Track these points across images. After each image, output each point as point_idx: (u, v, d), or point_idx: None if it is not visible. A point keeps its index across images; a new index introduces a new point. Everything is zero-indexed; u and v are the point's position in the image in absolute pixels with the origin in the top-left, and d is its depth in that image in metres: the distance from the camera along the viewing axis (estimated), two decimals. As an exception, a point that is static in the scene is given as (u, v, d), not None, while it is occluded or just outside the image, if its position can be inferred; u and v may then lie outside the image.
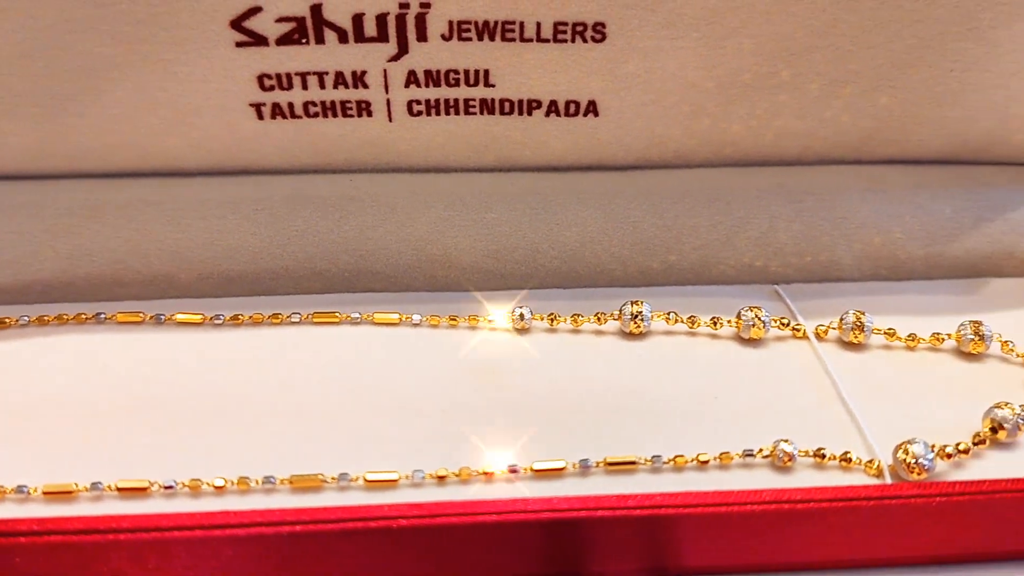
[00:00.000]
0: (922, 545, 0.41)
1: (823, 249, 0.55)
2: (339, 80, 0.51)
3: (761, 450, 0.42)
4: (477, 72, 0.51)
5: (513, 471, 0.42)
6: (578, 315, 0.51)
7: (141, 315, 0.51)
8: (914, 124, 0.54)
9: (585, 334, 0.51)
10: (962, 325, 0.50)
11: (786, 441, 0.42)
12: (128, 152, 0.53)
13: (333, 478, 0.41)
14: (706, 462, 0.42)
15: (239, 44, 0.49)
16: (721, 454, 0.42)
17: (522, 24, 0.49)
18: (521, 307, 0.51)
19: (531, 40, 0.50)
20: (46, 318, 0.50)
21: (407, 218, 0.53)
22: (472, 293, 0.54)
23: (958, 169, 0.56)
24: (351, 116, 0.52)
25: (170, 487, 0.41)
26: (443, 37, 0.49)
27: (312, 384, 0.47)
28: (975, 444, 0.43)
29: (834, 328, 0.50)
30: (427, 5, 0.48)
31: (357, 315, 0.51)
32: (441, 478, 0.41)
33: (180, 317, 0.51)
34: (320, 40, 0.49)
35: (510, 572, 0.41)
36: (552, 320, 0.51)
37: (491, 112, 0.53)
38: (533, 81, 0.51)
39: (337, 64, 0.50)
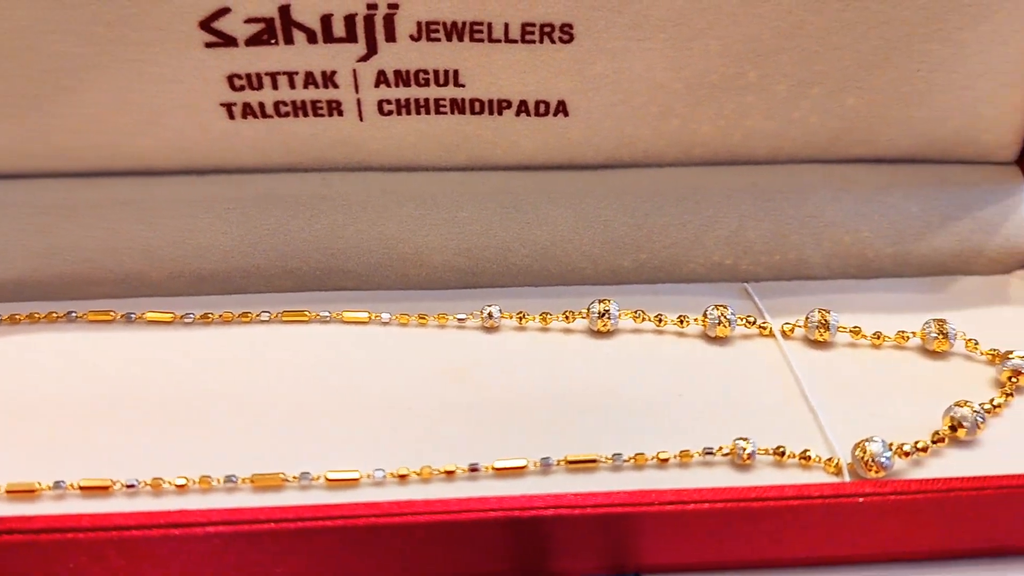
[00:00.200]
0: (881, 543, 0.41)
1: (792, 248, 0.55)
2: (309, 80, 0.51)
3: (721, 448, 0.43)
4: (447, 72, 0.51)
5: (474, 470, 0.42)
6: (547, 314, 0.51)
7: (112, 313, 0.51)
8: (882, 124, 0.55)
9: (553, 332, 0.51)
10: (927, 323, 0.50)
11: (745, 439, 0.42)
12: (100, 152, 0.53)
13: (294, 477, 0.42)
14: (666, 460, 0.43)
15: (208, 45, 0.49)
16: (681, 452, 0.43)
17: (490, 25, 0.49)
18: (490, 306, 0.51)
19: (499, 41, 0.50)
20: (17, 316, 0.50)
21: (378, 217, 0.54)
22: (443, 292, 0.54)
23: (926, 168, 0.57)
24: (322, 116, 0.52)
25: (132, 486, 0.41)
26: (412, 37, 0.50)
27: (278, 383, 0.47)
28: (934, 442, 0.43)
29: (800, 326, 0.51)
30: (395, 6, 0.48)
31: (326, 314, 0.51)
32: (402, 477, 0.42)
33: (150, 316, 0.51)
34: (289, 40, 0.49)
35: (472, 571, 0.41)
36: (521, 319, 0.51)
37: (461, 112, 0.53)
38: (503, 81, 0.52)
39: (307, 64, 0.50)
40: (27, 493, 0.40)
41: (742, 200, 0.55)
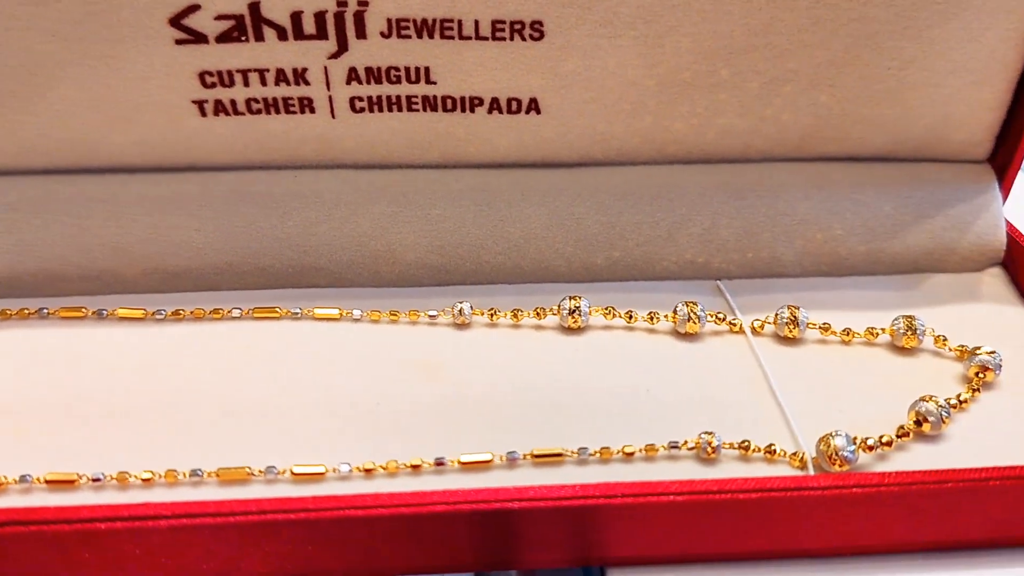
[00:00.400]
0: (845, 536, 0.41)
1: (765, 245, 0.55)
2: (280, 77, 0.51)
3: (686, 442, 0.43)
4: (418, 69, 0.51)
5: (440, 464, 0.42)
6: (518, 310, 0.51)
7: (83, 310, 0.51)
8: (854, 122, 0.55)
9: (525, 329, 0.52)
10: (896, 320, 0.50)
11: (709, 433, 0.43)
12: (72, 149, 0.53)
13: (260, 471, 0.42)
14: (631, 454, 0.43)
15: (179, 42, 0.49)
16: (647, 446, 0.43)
17: (460, 22, 0.49)
18: (461, 302, 0.51)
19: (470, 38, 0.50)
20: (-11, 313, 0.50)
21: (351, 214, 0.54)
22: (416, 289, 0.54)
23: (899, 166, 0.57)
24: (294, 113, 0.52)
25: (98, 480, 0.41)
26: (382, 35, 0.50)
27: (248, 379, 0.47)
28: (899, 437, 0.43)
29: (770, 323, 0.51)
30: (365, 3, 0.49)
31: (297, 310, 0.51)
32: (368, 471, 0.42)
33: (122, 312, 0.51)
34: (259, 37, 0.49)
35: (438, 564, 0.41)
36: (492, 315, 0.51)
37: (433, 109, 0.53)
38: (474, 78, 0.52)
39: (277, 61, 0.50)
40: (-8, 487, 0.40)
41: (715, 198, 0.55)
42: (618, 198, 0.55)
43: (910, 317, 0.50)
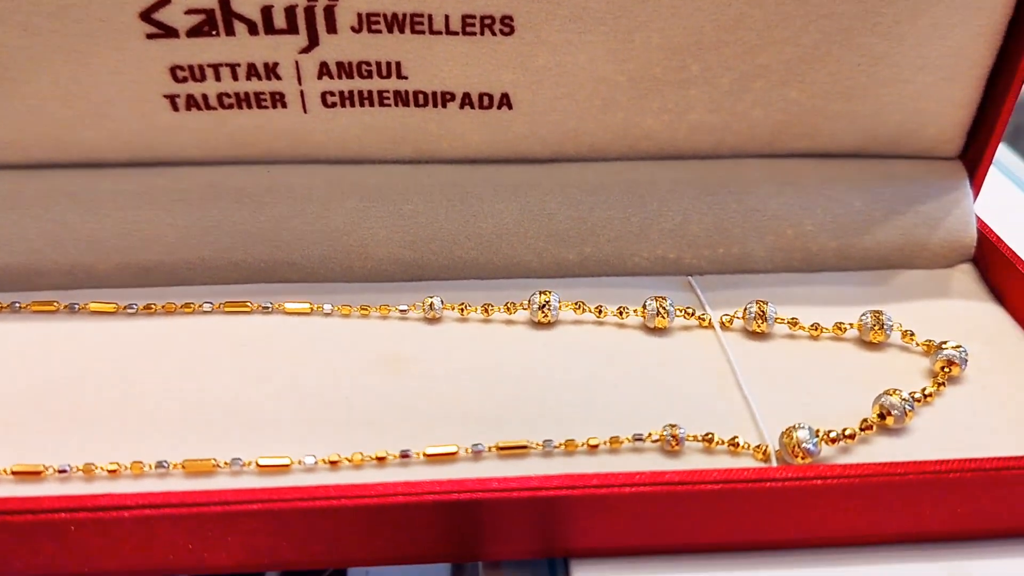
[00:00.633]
0: (807, 528, 0.41)
1: (735, 241, 0.56)
2: (252, 72, 0.51)
3: (651, 435, 0.43)
4: (389, 64, 0.52)
5: (405, 456, 0.42)
6: (489, 305, 0.52)
7: (55, 304, 0.51)
8: (824, 118, 0.55)
9: (495, 324, 0.52)
10: (864, 315, 0.50)
11: (673, 426, 0.43)
12: (45, 143, 0.53)
13: (226, 463, 0.42)
14: (596, 446, 0.43)
15: (150, 36, 0.49)
16: (611, 438, 0.43)
17: (430, 16, 0.50)
18: (432, 297, 0.51)
19: (440, 32, 0.50)
20: (-40, 307, 0.50)
21: (323, 209, 0.54)
22: (388, 284, 0.55)
23: (870, 163, 0.57)
24: (266, 107, 0.53)
25: (64, 471, 0.41)
26: (353, 29, 0.50)
27: (218, 372, 0.47)
28: (862, 430, 0.44)
29: (739, 318, 0.51)
30: (335, -3, 0.49)
31: (268, 305, 0.51)
32: (333, 463, 0.42)
33: (94, 306, 0.51)
34: (230, 32, 0.50)
35: (401, 555, 0.41)
36: (463, 310, 0.51)
37: (405, 104, 0.53)
38: (445, 73, 0.52)
39: (249, 56, 0.51)
40: (-43, 478, 0.40)
41: (686, 194, 0.55)
42: (590, 194, 0.55)
43: (878, 312, 0.50)
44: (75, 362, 0.48)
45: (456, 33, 0.50)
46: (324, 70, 0.51)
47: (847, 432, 0.43)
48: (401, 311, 0.51)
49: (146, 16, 0.48)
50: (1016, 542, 0.42)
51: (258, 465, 0.42)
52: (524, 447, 0.43)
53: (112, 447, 0.43)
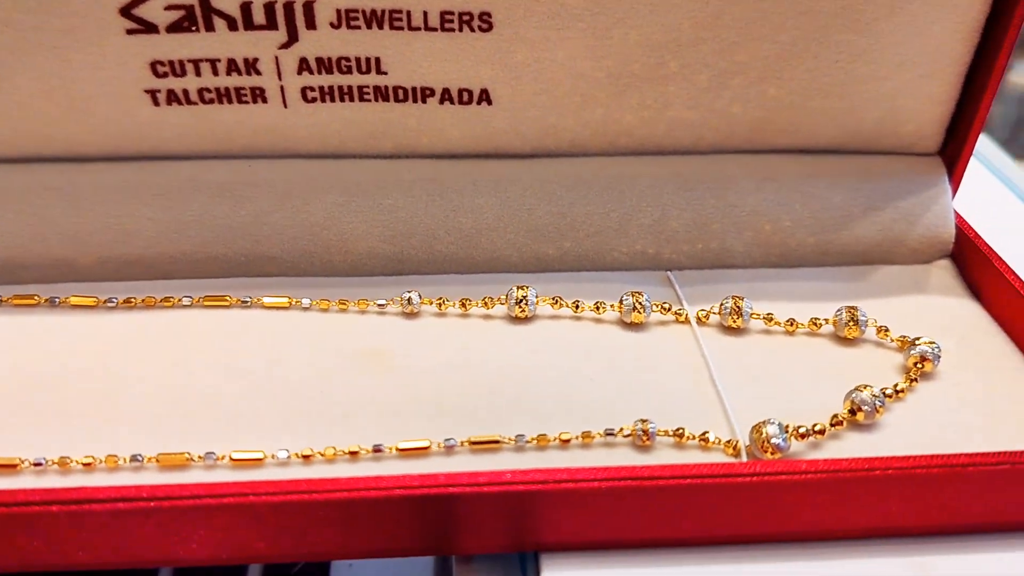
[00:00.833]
0: (777, 523, 0.42)
1: (714, 237, 0.56)
2: (232, 67, 0.51)
3: (622, 430, 0.43)
4: (368, 60, 0.52)
5: (378, 450, 0.43)
6: (467, 300, 0.52)
7: (36, 298, 0.52)
8: (803, 114, 0.55)
9: (473, 318, 0.52)
10: (839, 311, 0.51)
11: (644, 421, 0.43)
12: (27, 138, 0.53)
13: (199, 457, 0.42)
14: (568, 441, 0.43)
15: (130, 31, 0.50)
16: (583, 433, 0.43)
17: (409, 13, 0.50)
18: (410, 291, 0.51)
19: (419, 29, 0.51)
20: (-59, 301, 0.51)
21: (304, 204, 0.54)
22: (368, 278, 0.55)
23: (849, 159, 0.57)
24: (246, 103, 0.53)
25: (40, 464, 0.41)
26: (332, 25, 0.50)
27: (195, 365, 0.48)
28: (832, 425, 0.44)
29: (715, 313, 0.51)
30: (314, -7, 0.49)
31: (247, 299, 0.52)
32: (306, 457, 0.42)
33: (74, 300, 0.52)
34: (210, 27, 0.50)
35: (373, 549, 0.42)
36: (441, 304, 0.52)
37: (385, 99, 0.54)
38: (424, 69, 0.52)
39: (228, 51, 0.51)
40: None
41: (665, 190, 0.56)
42: (569, 189, 0.55)
43: (853, 308, 0.50)
44: (54, 355, 0.48)
45: (435, 29, 0.50)
46: (304, 66, 0.51)
47: (817, 428, 0.43)
48: (379, 306, 0.52)
49: (126, 12, 0.49)
50: (982, 538, 0.42)
51: (231, 459, 0.42)
52: (496, 442, 0.43)
53: (89, 440, 0.43)
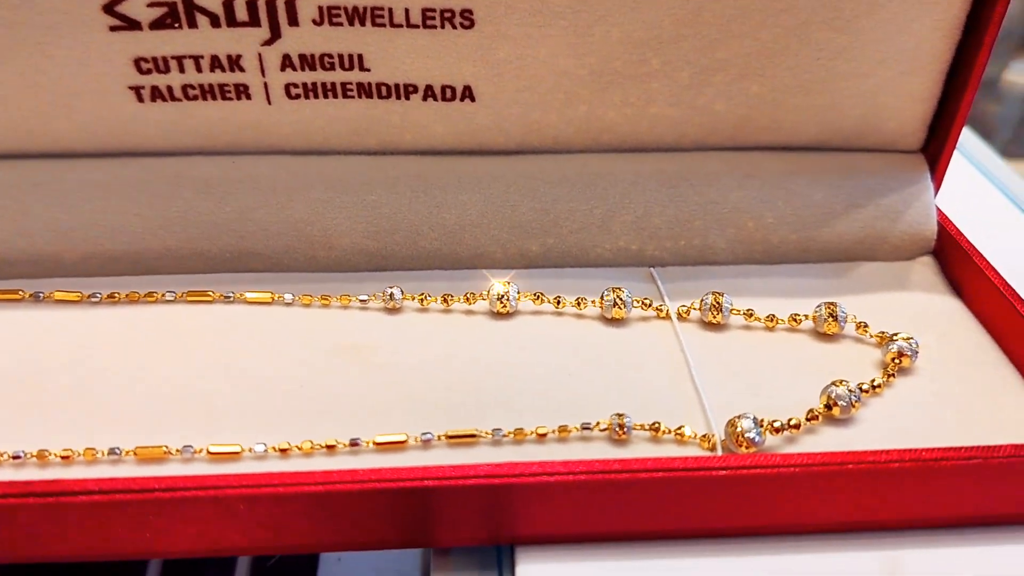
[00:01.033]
0: (751, 516, 0.42)
1: (697, 233, 0.56)
2: (215, 64, 0.52)
3: (598, 424, 0.44)
4: (351, 56, 0.52)
5: (355, 444, 0.43)
6: (448, 295, 0.52)
7: (21, 293, 0.52)
8: (785, 112, 0.55)
9: (455, 314, 0.52)
10: (818, 307, 0.51)
11: (620, 415, 0.43)
12: (13, 134, 0.54)
13: (177, 450, 0.42)
14: (544, 435, 0.43)
15: (113, 28, 0.50)
16: (560, 427, 0.44)
17: (391, 10, 0.50)
18: (392, 287, 0.52)
19: (401, 25, 0.51)
20: (-74, 295, 0.51)
21: (288, 200, 0.55)
22: (352, 274, 0.55)
23: (831, 156, 0.57)
24: (230, 99, 0.53)
25: (18, 457, 0.42)
26: (314, 22, 0.51)
27: (176, 360, 0.48)
28: (808, 420, 0.44)
29: (696, 309, 0.51)
30: (295, -10, 0.49)
31: (230, 294, 0.52)
32: (283, 451, 0.43)
33: (58, 295, 0.52)
34: (192, 24, 0.50)
35: (348, 542, 0.42)
36: (423, 300, 0.52)
37: (368, 96, 0.54)
38: (407, 66, 0.53)
39: (212, 48, 0.51)
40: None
41: (648, 186, 0.56)
42: (553, 185, 0.56)
43: (832, 304, 0.50)
44: (37, 350, 0.48)
45: (417, 26, 0.51)
46: (287, 62, 0.52)
47: (792, 422, 0.43)
48: (361, 301, 0.52)
49: (109, 9, 0.49)
50: (954, 531, 0.42)
51: (209, 452, 0.42)
52: (473, 436, 0.43)
53: (69, 434, 0.43)
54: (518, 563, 0.41)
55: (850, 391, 0.44)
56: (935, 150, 0.57)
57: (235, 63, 0.52)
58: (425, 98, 0.54)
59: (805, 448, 0.44)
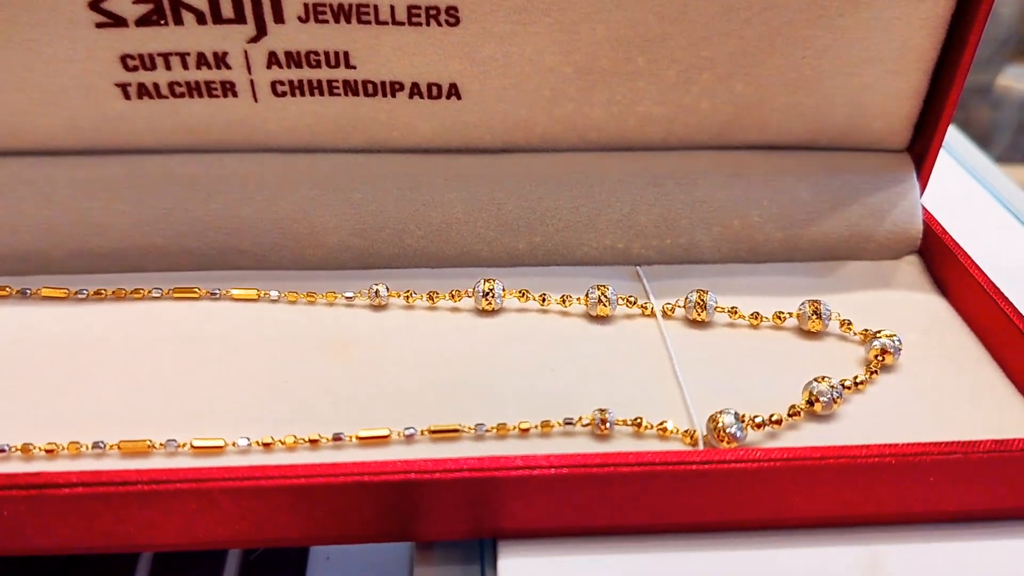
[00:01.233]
0: (732, 510, 0.42)
1: (683, 232, 0.56)
2: (201, 61, 0.52)
3: (581, 419, 0.44)
4: (337, 54, 0.52)
5: (338, 439, 0.43)
6: (434, 292, 0.52)
7: (8, 289, 0.52)
8: (771, 110, 0.56)
9: (441, 311, 0.52)
10: (802, 304, 0.51)
11: (602, 410, 0.43)
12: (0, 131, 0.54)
13: (161, 444, 0.42)
14: (527, 430, 0.44)
15: (99, 25, 0.50)
16: (542, 423, 0.44)
17: (376, 7, 0.50)
18: (377, 284, 0.52)
19: (387, 23, 0.51)
20: (-88, 291, 0.51)
21: (274, 197, 0.55)
22: (338, 272, 0.55)
23: (817, 155, 0.58)
24: (216, 96, 0.53)
25: (3, 451, 0.42)
26: (300, 19, 0.51)
27: (162, 356, 0.48)
28: (790, 416, 0.44)
29: (681, 307, 0.51)
30: (281, -13, 0.49)
31: (216, 291, 0.52)
32: (267, 445, 0.43)
33: (45, 291, 0.52)
34: (178, 21, 0.50)
35: (331, 535, 0.42)
36: (408, 297, 0.52)
37: (355, 94, 0.54)
38: (393, 63, 0.53)
39: (198, 45, 0.51)
40: None
41: (634, 185, 0.56)
42: (539, 184, 0.56)
43: (816, 301, 0.51)
44: (22, 345, 0.48)
45: (402, 23, 0.51)
46: (273, 60, 0.52)
47: (774, 418, 0.44)
48: (347, 298, 0.52)
49: (95, 5, 0.49)
50: (934, 527, 0.42)
51: (192, 446, 0.42)
52: (456, 431, 0.43)
53: (54, 428, 0.44)
54: (500, 556, 0.41)
55: (832, 387, 0.44)
56: (921, 149, 0.57)
57: (221, 60, 0.52)
58: (411, 96, 0.54)
59: (786, 444, 0.44)
